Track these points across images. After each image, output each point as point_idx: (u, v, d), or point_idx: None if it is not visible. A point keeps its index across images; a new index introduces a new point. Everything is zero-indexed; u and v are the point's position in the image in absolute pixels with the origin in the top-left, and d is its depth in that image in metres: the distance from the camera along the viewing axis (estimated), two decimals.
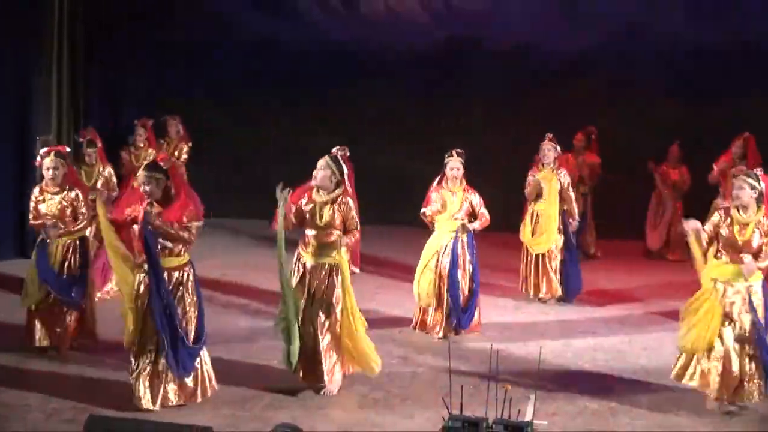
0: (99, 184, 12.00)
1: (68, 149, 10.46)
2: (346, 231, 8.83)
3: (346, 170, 8.99)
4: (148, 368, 8.19)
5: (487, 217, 10.78)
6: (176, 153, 14.80)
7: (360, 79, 18.51)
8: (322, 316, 8.74)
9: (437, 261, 10.71)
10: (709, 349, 8.35)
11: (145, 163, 8.59)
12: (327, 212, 8.76)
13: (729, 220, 8.36)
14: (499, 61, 18.12)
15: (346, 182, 8.95)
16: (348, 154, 8.72)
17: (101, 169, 12.26)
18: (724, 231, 8.34)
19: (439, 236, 10.80)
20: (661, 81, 17.29)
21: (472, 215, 10.80)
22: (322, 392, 8.78)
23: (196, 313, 8.36)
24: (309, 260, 8.84)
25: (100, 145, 12.41)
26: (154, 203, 8.18)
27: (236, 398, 8.62)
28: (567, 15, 17.88)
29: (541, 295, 12.62)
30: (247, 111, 18.64)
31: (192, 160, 15.44)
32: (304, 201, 8.84)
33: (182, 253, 8.29)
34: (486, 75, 18.21)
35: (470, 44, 18.64)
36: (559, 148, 12.73)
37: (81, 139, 12.61)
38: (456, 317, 10.70)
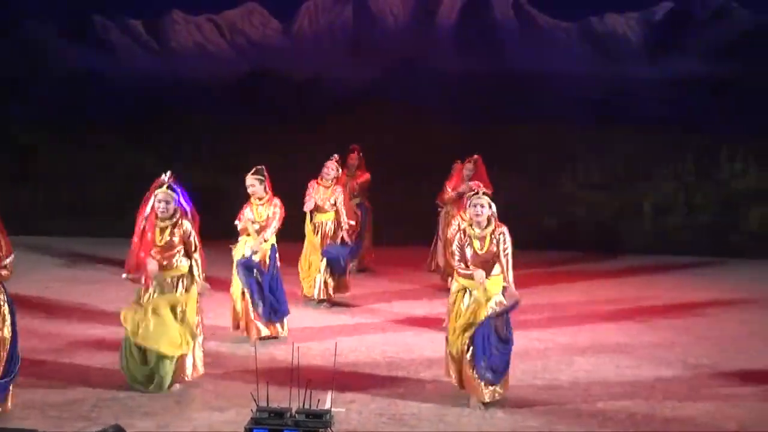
0: None
1: None
2: (187, 253, 8.82)
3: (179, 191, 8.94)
4: None
5: (274, 225, 10.78)
6: None
7: (171, 106, 18.40)
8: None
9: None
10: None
11: None
12: (167, 234, 8.73)
13: (468, 239, 8.53)
14: (296, 89, 18.34)
15: (182, 203, 8.89)
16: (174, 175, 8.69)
17: None
18: (468, 250, 8.50)
19: (244, 246, 10.83)
20: (437, 106, 17.77)
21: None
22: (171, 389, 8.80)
23: (10, 334, 7.86)
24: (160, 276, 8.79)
25: None
26: None
27: (62, 401, 8.42)
28: (351, 50, 18.31)
29: (314, 297, 12.57)
30: (69, 136, 18.28)
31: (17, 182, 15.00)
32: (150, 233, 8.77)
33: None
34: (284, 101, 18.38)
35: (270, 74, 18.79)
36: (340, 169, 12.85)
37: None
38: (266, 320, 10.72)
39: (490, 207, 8.54)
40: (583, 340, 11.10)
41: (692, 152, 18.94)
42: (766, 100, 18.67)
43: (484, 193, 8.58)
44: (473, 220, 8.54)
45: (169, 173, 8.83)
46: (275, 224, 10.81)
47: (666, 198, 18.79)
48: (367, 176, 14.93)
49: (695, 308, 13.06)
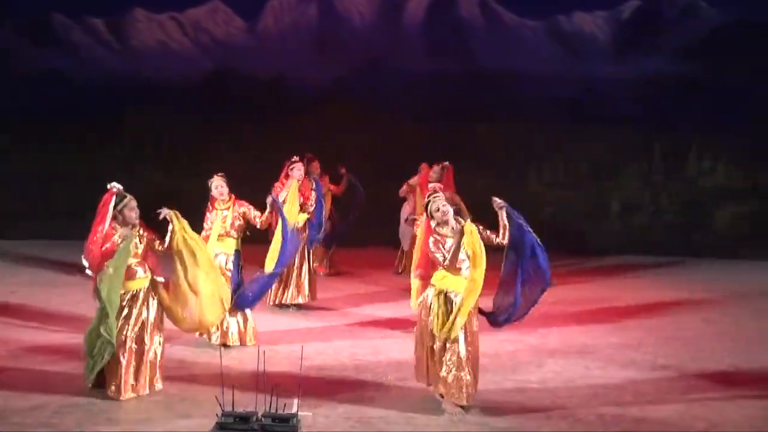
0: None
1: None
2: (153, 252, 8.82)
3: None
4: None
5: (261, 215, 10.72)
6: None
7: (135, 106, 18.30)
8: (142, 332, 8.68)
9: None
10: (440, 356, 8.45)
11: None
12: (132, 247, 8.64)
13: (442, 238, 8.42)
14: (260, 87, 18.30)
15: None
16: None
17: None
18: (440, 252, 8.38)
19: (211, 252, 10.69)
20: (403, 105, 17.79)
21: (248, 222, 10.72)
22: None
23: None
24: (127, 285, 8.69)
25: None
26: None
27: (23, 407, 8.31)
28: (317, 49, 18.33)
29: (284, 301, 12.55)
30: (29, 138, 18.11)
31: None
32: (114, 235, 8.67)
33: None
34: (249, 100, 18.33)
35: (234, 73, 18.77)
36: (302, 169, 12.73)
37: None
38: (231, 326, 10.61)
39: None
40: (553, 342, 11.12)
41: (660, 151, 19.06)
42: (733, 98, 18.82)
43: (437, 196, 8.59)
44: (440, 219, 8.49)
45: (117, 185, 8.75)
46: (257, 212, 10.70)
47: (634, 197, 18.88)
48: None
49: (664, 308, 13.13)
